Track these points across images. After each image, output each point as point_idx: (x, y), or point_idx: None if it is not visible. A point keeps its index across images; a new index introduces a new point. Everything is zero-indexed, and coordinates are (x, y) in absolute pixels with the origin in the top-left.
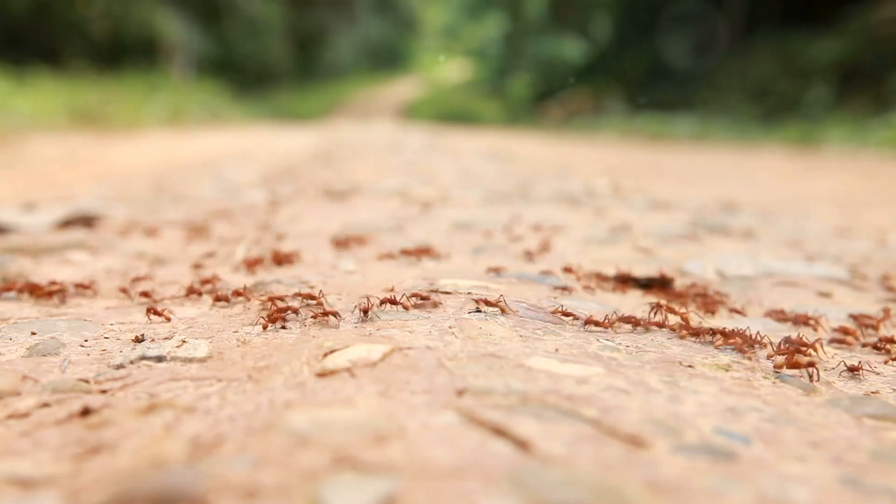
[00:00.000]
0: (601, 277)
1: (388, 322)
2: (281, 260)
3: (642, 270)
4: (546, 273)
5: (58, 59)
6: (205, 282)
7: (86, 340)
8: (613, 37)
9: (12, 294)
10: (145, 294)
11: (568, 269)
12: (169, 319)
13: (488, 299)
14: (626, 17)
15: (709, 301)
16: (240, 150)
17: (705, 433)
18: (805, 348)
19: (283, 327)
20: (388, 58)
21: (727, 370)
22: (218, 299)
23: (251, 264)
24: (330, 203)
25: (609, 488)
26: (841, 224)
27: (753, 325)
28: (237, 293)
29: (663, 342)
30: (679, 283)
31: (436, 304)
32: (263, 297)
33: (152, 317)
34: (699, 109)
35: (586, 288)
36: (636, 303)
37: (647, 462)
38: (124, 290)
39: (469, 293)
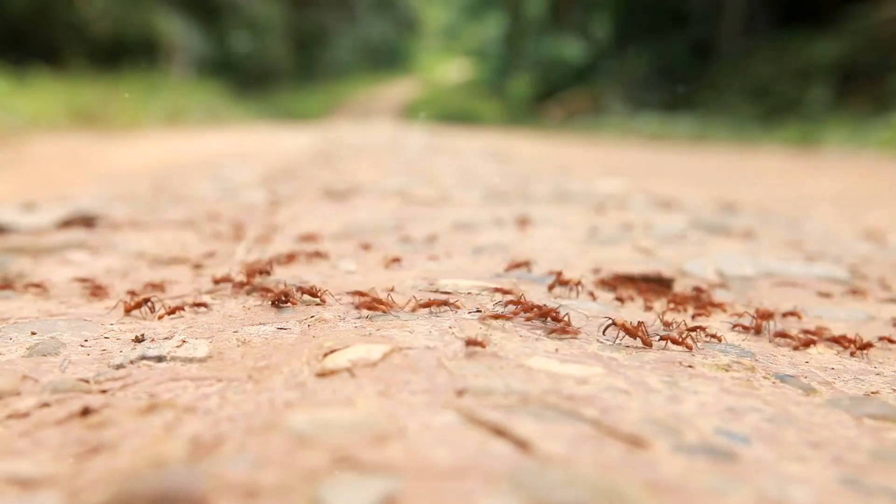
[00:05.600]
0: (605, 281)
1: (388, 322)
2: (282, 260)
3: (642, 270)
4: (547, 273)
5: (58, 59)
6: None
7: (86, 340)
8: (613, 37)
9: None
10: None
11: (563, 280)
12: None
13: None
14: (626, 17)
15: (702, 304)
16: (240, 150)
17: (705, 433)
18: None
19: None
20: (388, 58)
21: (727, 370)
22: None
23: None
24: (330, 203)
25: (609, 488)
26: (841, 224)
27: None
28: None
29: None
30: (679, 284)
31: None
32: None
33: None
34: (699, 109)
35: (601, 288)
36: (635, 304)
37: (647, 462)
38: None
39: (469, 293)
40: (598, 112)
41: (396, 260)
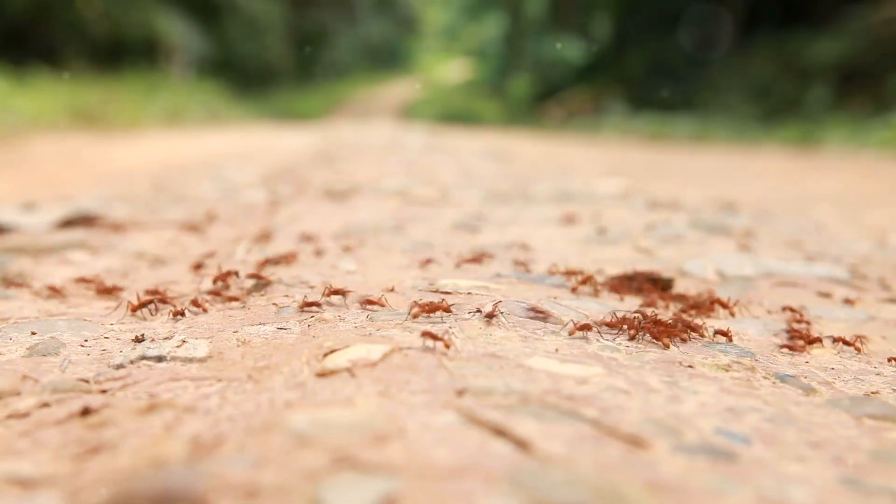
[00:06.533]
0: (609, 282)
1: (388, 322)
2: (282, 260)
3: (642, 270)
4: (547, 273)
5: (58, 59)
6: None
7: (86, 340)
8: (613, 37)
9: None
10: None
11: (570, 273)
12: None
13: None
14: (626, 17)
15: (694, 304)
16: (240, 150)
17: (705, 433)
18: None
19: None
20: (388, 58)
21: (727, 370)
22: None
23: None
24: (330, 203)
25: (609, 488)
26: (841, 224)
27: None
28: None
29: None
30: (679, 284)
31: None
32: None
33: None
34: (699, 109)
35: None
36: (634, 303)
37: (647, 462)
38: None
39: (469, 293)
40: (598, 112)
41: (429, 261)
